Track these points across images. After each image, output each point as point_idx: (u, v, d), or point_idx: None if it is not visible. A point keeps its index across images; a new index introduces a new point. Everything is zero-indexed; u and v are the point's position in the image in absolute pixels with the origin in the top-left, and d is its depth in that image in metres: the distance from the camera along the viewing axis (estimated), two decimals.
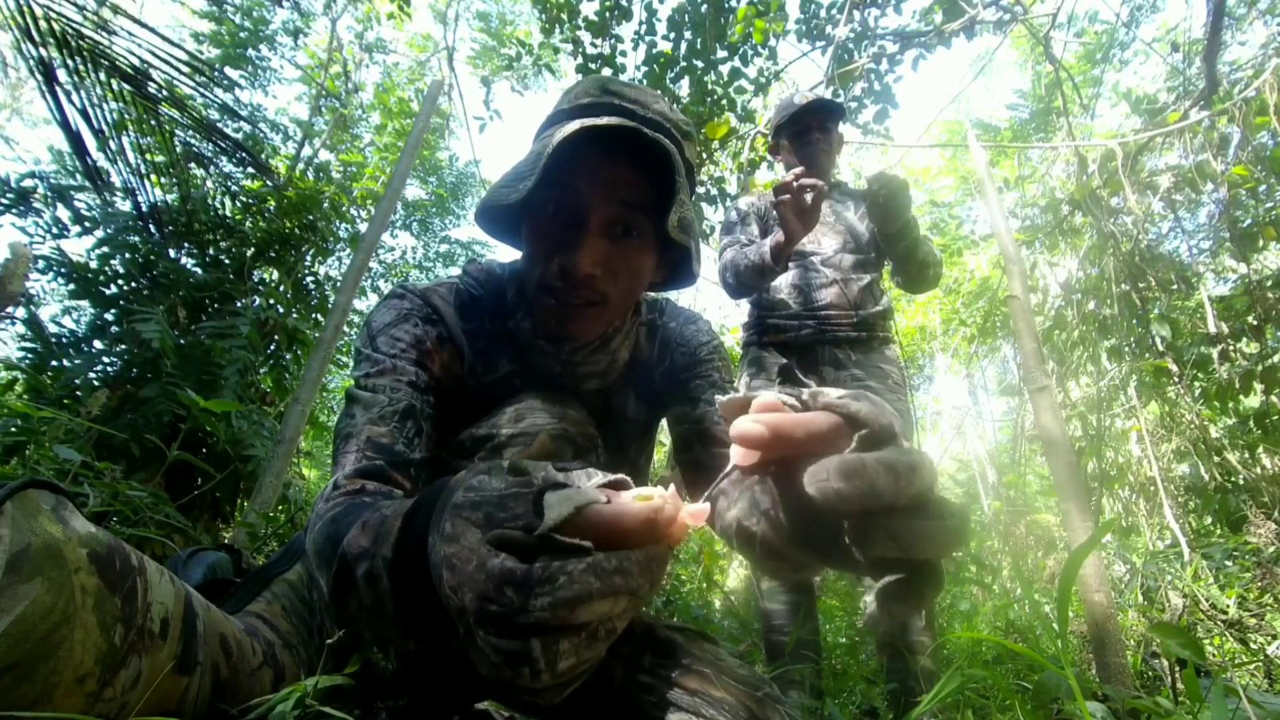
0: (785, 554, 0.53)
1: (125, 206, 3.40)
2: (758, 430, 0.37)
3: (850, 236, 1.85)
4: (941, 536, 0.34)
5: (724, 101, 3.83)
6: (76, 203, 3.30)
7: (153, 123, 2.66)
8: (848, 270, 1.79)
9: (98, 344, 3.15)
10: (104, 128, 2.41)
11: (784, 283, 1.83)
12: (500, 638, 0.32)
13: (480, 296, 0.85)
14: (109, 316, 3.24)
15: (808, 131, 1.82)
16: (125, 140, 2.62)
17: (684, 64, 3.81)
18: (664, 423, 1.00)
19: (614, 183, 0.70)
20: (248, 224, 3.86)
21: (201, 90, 2.82)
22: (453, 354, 0.81)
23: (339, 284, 3.80)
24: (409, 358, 0.75)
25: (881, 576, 0.37)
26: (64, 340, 3.09)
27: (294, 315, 3.80)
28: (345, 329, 3.31)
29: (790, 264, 1.82)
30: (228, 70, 5.09)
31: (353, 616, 0.52)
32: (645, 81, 3.82)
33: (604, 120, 0.65)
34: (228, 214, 3.80)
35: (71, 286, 3.20)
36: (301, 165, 5.41)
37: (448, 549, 0.36)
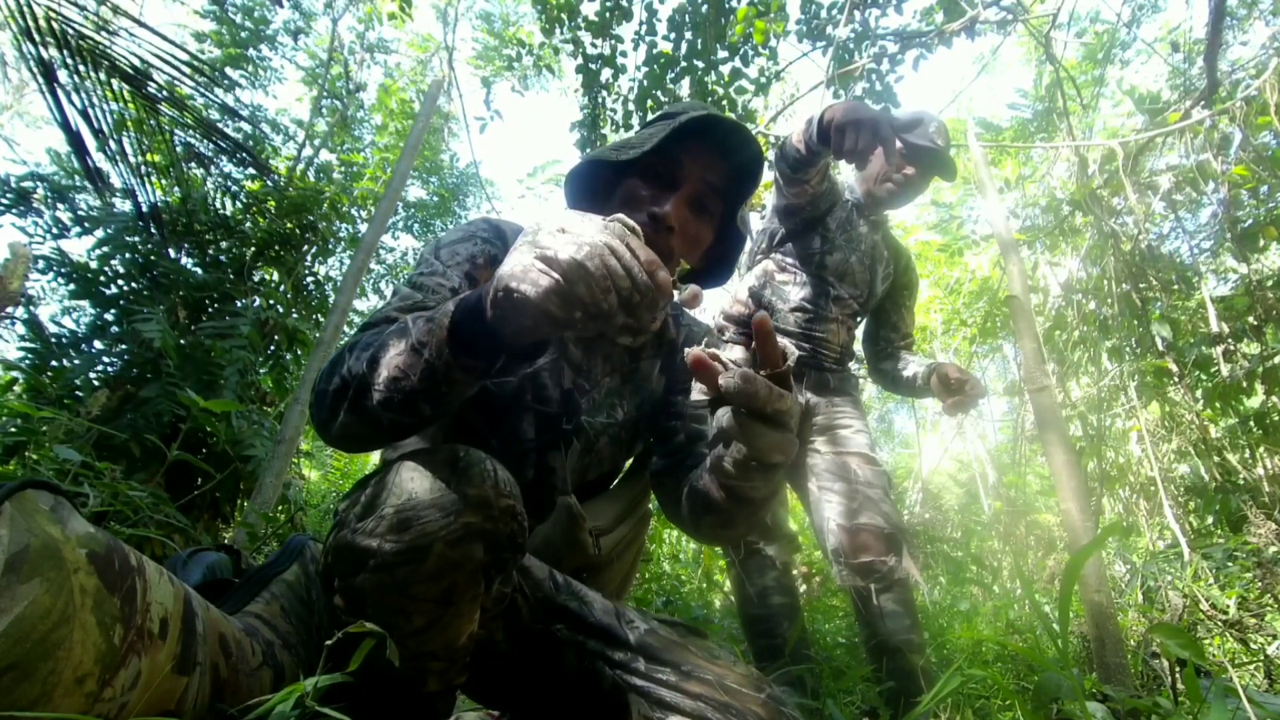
0: (719, 505, 0.74)
1: (125, 206, 3.40)
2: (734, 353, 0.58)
3: (867, 293, 1.92)
4: (788, 441, 0.57)
5: (724, 102, 3.82)
6: (76, 203, 3.30)
7: (153, 123, 2.66)
8: (847, 318, 1.93)
9: (98, 344, 3.15)
10: (104, 128, 2.41)
11: (794, 295, 1.88)
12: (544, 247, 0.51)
13: None
14: (109, 316, 3.24)
15: (915, 161, 1.81)
16: (125, 140, 2.62)
17: (684, 64, 3.80)
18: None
19: (710, 166, 0.86)
20: (248, 224, 3.85)
21: (202, 90, 2.81)
22: None
23: (339, 284, 3.80)
24: (460, 269, 0.85)
25: (748, 472, 0.64)
26: (64, 340, 3.09)
27: (294, 315, 3.80)
28: (345, 329, 3.31)
29: (810, 276, 1.87)
30: (228, 70, 5.09)
31: (376, 390, 0.62)
32: (645, 82, 3.83)
33: (729, 116, 0.85)
34: (228, 214, 3.79)
35: (71, 286, 3.20)
36: (302, 165, 5.41)
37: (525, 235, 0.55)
